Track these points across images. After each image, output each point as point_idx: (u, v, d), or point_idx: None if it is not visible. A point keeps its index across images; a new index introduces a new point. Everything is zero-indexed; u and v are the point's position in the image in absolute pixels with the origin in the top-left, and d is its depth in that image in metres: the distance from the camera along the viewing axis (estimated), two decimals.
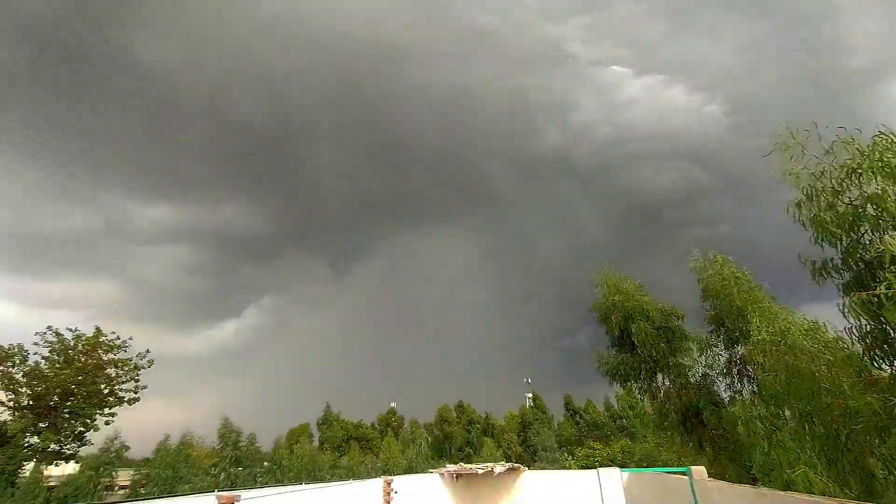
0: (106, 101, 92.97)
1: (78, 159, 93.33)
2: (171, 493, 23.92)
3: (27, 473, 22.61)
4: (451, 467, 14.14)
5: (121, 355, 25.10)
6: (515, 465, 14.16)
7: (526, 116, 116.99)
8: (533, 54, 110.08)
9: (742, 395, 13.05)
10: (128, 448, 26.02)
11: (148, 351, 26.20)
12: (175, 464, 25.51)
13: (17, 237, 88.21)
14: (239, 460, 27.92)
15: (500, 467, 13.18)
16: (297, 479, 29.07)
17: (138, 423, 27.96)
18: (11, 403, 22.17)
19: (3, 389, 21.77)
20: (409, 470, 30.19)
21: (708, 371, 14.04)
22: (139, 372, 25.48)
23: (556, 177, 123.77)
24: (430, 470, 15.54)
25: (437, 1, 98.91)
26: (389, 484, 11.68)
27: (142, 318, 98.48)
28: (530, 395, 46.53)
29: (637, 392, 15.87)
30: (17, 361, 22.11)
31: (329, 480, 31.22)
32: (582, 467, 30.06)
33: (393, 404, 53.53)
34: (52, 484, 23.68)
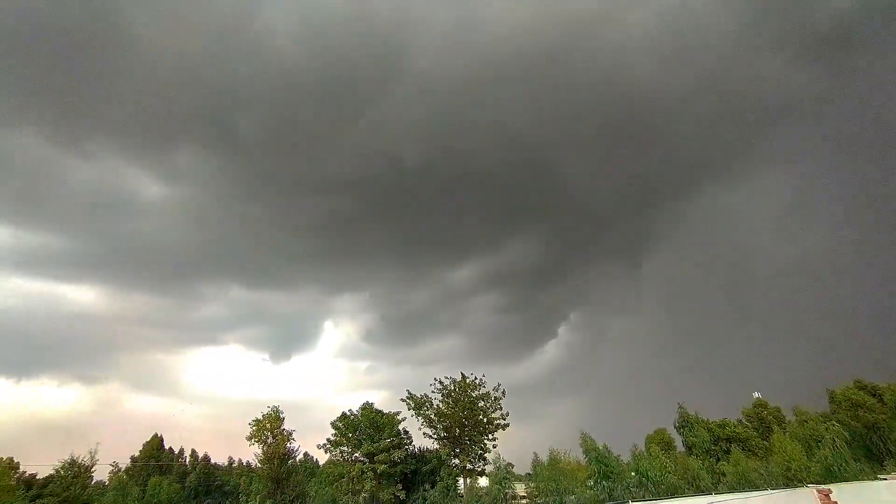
0: (406, 203, 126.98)
1: (415, 250, 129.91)
2: None
3: (460, 487, 30.52)
4: None
5: (482, 391, 31.10)
6: None
7: None
8: None
9: None
10: (512, 465, 31.17)
11: (499, 384, 31.51)
12: (556, 477, 28.55)
13: (399, 320, 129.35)
14: (607, 474, 28.43)
15: None
16: (674, 491, 26.97)
17: (507, 445, 33.26)
18: (435, 436, 30.80)
19: (428, 427, 30.59)
20: (831, 476, 23.02)
21: None
22: (500, 402, 30.73)
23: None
24: (882, 476, 11.23)
25: None
26: (828, 495, 9.04)
27: (481, 358, 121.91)
28: None
29: None
30: (428, 406, 30.81)
31: (715, 491, 27.45)
32: None
33: (756, 394, 43.64)
34: (479, 494, 30.94)
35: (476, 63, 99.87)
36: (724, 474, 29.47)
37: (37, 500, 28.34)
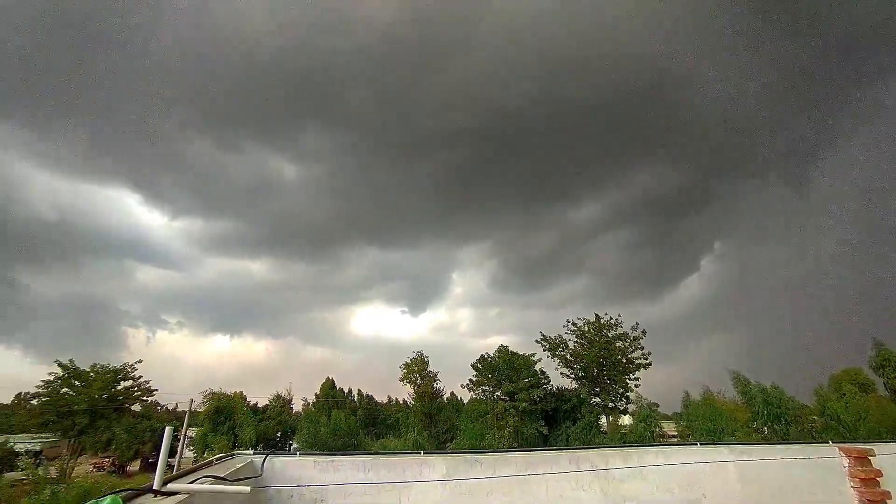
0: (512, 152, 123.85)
1: (533, 193, 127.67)
2: (716, 442, 24.75)
3: (602, 425, 30.51)
4: None
5: (619, 332, 29.88)
6: None
7: None
8: None
9: None
10: (657, 405, 29.77)
11: (637, 324, 29.88)
12: (711, 417, 26.51)
13: (524, 265, 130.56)
14: (779, 416, 25.32)
15: None
16: (875, 438, 22.74)
17: (650, 385, 31.62)
18: (572, 375, 30.97)
19: (564, 367, 30.89)
20: None
21: None
22: (639, 342, 29.21)
23: None
24: None
25: None
26: None
27: (614, 298, 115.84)
28: None
29: None
30: (563, 348, 30.93)
31: None
32: None
33: None
34: (623, 432, 30.63)
35: None
36: None
37: (261, 423, 37.46)
